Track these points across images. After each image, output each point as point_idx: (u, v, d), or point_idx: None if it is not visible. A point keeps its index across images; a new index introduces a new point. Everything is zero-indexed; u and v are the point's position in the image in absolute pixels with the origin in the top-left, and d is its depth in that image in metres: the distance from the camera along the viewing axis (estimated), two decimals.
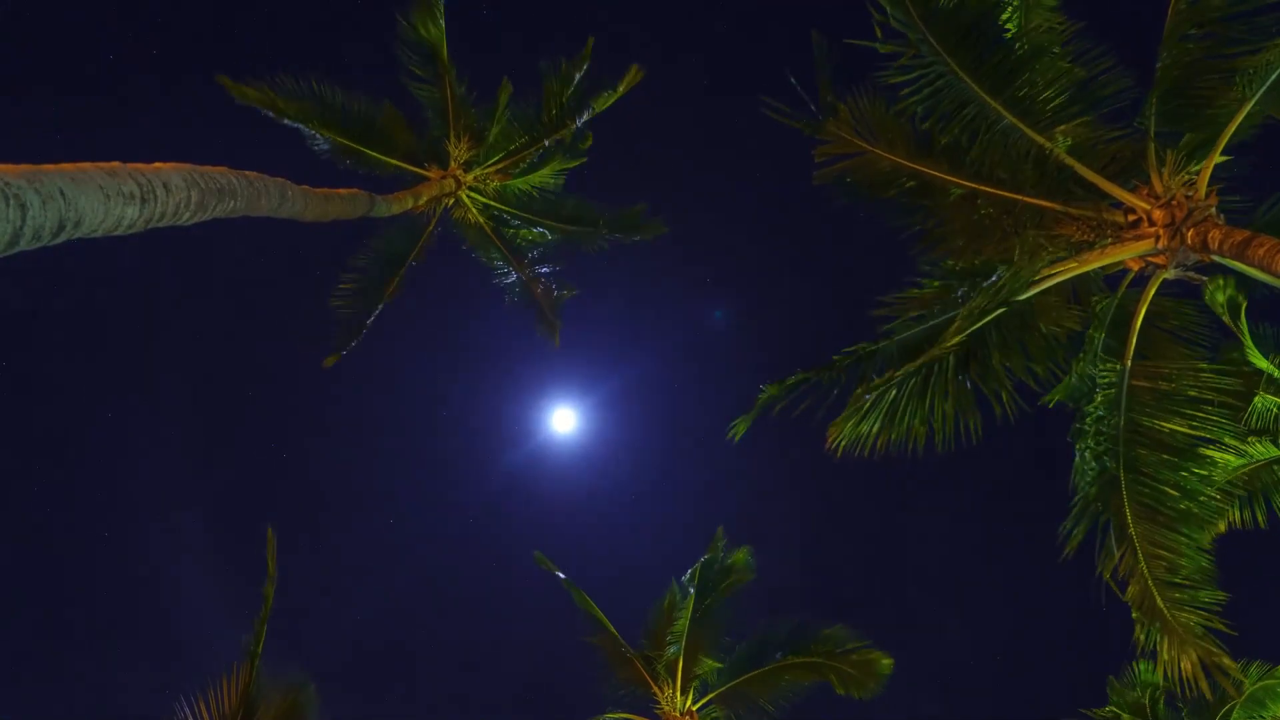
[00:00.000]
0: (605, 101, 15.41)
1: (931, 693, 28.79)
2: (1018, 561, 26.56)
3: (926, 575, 29.53)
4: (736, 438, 9.11)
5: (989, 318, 8.91)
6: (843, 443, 9.07)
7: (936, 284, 10.05)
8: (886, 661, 15.02)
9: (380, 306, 16.38)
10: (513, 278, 17.73)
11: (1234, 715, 13.17)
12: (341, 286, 16.20)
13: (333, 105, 14.49)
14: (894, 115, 10.05)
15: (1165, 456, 8.93)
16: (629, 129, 20.68)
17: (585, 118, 15.47)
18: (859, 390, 8.92)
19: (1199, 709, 13.65)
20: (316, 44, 23.72)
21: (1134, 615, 8.56)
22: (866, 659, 15.06)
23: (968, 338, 8.98)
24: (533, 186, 16.52)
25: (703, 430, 28.22)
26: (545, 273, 17.71)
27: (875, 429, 9.12)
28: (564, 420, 28.36)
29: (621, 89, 15.35)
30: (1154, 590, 8.46)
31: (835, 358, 9.03)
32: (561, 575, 15.86)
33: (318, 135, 14.62)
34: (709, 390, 27.89)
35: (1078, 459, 9.10)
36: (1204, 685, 7.91)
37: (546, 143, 15.70)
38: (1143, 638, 8.48)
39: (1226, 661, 7.93)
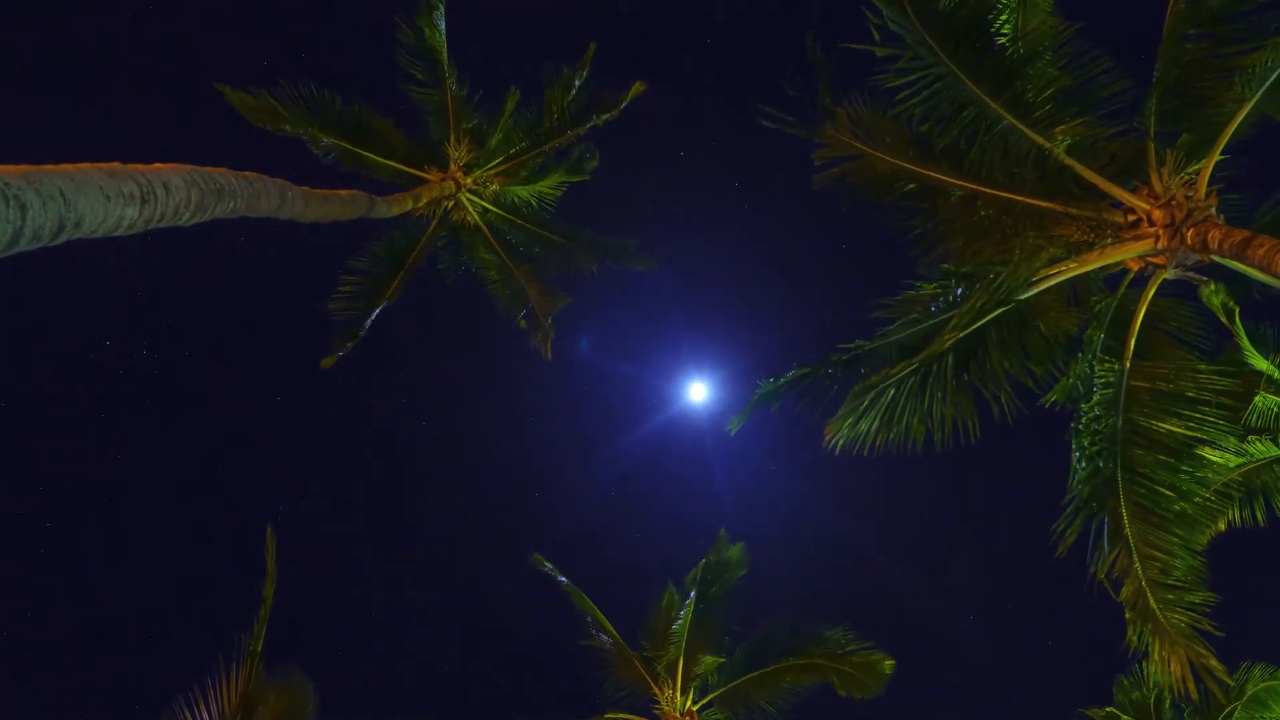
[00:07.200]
0: (607, 115, 15.51)
1: (932, 690, 28.81)
2: (1020, 559, 26.54)
3: (929, 575, 29.54)
4: (733, 431, 9.19)
5: (988, 317, 8.90)
6: (840, 441, 9.05)
7: (935, 286, 10.02)
8: (888, 663, 15.06)
9: (380, 308, 16.38)
10: (507, 286, 17.69)
11: (1236, 716, 13.16)
12: (340, 289, 16.20)
13: (331, 111, 14.50)
14: (892, 118, 10.04)
15: (1161, 457, 8.92)
16: (629, 131, 20.71)
17: (586, 129, 15.54)
18: (856, 388, 8.88)
19: (1201, 710, 13.64)
20: (316, 42, 23.75)
21: (1127, 616, 8.56)
22: (868, 660, 15.12)
23: (967, 337, 8.96)
24: (532, 195, 16.55)
25: (698, 431, 28.25)
26: (542, 280, 17.68)
27: (874, 428, 9.08)
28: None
29: (623, 103, 15.42)
30: (1147, 591, 8.45)
31: (832, 356, 9.02)
32: (564, 580, 15.84)
33: (318, 140, 14.64)
34: (705, 390, 27.84)
35: (1074, 458, 9.10)
36: (1192, 687, 7.92)
37: (547, 149, 15.73)
38: (1135, 640, 8.48)
39: (1214, 663, 7.93)
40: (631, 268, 17.75)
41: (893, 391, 9.01)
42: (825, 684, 15.46)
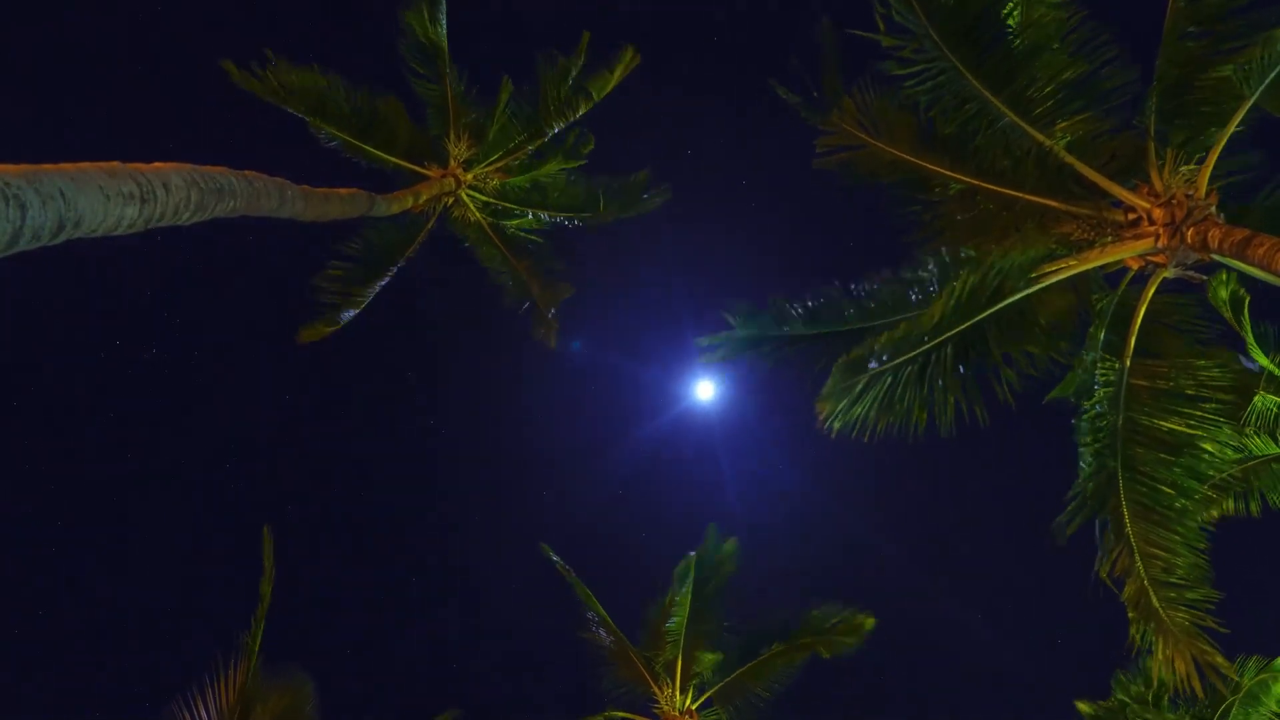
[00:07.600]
0: (602, 87, 15.37)
1: (932, 684, 28.85)
2: (1022, 558, 26.56)
3: (930, 566, 29.56)
4: (704, 353, 9.13)
5: (988, 311, 8.88)
6: (836, 423, 8.97)
7: (934, 275, 9.95)
8: (870, 621, 15.66)
9: (369, 295, 16.39)
10: (511, 278, 17.69)
11: (1233, 713, 13.16)
12: (330, 272, 16.14)
13: (335, 97, 14.49)
14: (897, 108, 10.03)
15: (1162, 455, 8.93)
16: (630, 119, 20.69)
17: (584, 109, 15.46)
18: (841, 361, 8.77)
19: (1197, 705, 13.66)
20: (317, 40, 23.71)
21: (1130, 615, 8.57)
22: (852, 624, 15.68)
23: (966, 331, 8.94)
24: (533, 182, 16.52)
25: (705, 429, 28.23)
26: (544, 273, 17.67)
27: (872, 414, 9.02)
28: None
29: (618, 73, 15.30)
30: (1150, 590, 8.46)
31: (823, 325, 9.00)
32: (569, 569, 15.88)
33: (320, 128, 14.65)
34: (696, 382, 27.78)
35: (1080, 454, 9.11)
36: (1197, 685, 7.93)
37: (545, 139, 15.71)
38: (1138, 638, 8.49)
39: (1220, 660, 7.93)
40: (648, 211, 17.50)
41: (890, 379, 8.97)
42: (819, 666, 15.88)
